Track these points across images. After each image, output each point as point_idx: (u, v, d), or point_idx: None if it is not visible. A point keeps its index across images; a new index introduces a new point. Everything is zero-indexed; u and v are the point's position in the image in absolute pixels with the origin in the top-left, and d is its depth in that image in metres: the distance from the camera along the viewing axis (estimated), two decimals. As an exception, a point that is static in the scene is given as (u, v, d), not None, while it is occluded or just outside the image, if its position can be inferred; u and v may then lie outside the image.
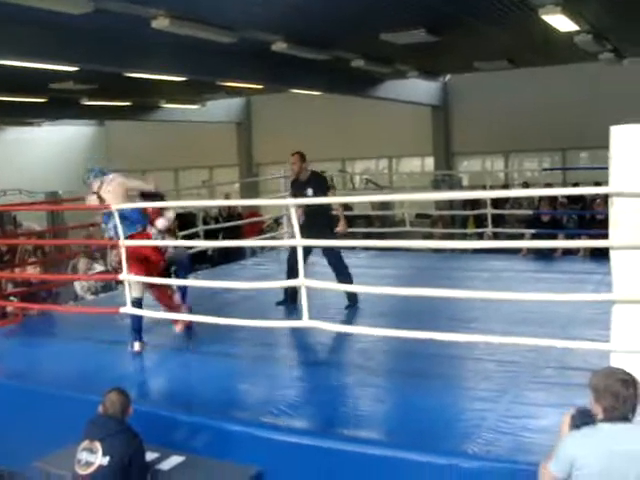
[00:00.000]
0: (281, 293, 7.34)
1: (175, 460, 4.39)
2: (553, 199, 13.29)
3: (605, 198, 4.36)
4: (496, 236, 11.14)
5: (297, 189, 7.57)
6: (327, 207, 7.61)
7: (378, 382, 5.30)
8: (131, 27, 9.62)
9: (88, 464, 4.06)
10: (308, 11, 9.72)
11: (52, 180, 21.41)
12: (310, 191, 7.36)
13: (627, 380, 3.12)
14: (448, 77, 19.12)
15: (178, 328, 6.43)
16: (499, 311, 6.56)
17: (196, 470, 4.34)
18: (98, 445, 4.08)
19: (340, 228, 7.52)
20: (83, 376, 5.57)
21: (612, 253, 4.06)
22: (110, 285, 9.13)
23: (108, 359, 6.07)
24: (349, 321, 6.80)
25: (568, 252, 10.60)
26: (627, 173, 3.93)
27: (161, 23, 9.21)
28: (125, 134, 24.20)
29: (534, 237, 9.88)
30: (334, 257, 7.40)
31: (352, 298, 7.20)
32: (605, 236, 4.15)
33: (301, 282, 5.30)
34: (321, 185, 7.55)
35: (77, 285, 9.14)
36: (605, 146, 4.01)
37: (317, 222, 6.95)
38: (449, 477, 3.89)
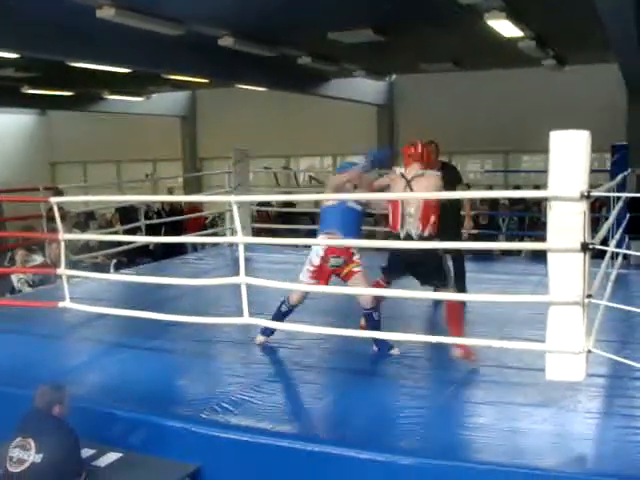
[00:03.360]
0: None
1: (112, 457, 4.32)
2: (494, 201, 13.57)
3: (545, 201, 4.45)
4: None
5: None
6: (458, 201, 6.92)
7: (318, 379, 5.31)
8: (75, 15, 9.42)
9: (20, 462, 3.94)
10: (256, 7, 9.68)
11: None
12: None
13: None
14: (394, 77, 19.25)
15: (459, 352, 5.34)
16: (438, 311, 6.65)
17: (133, 467, 4.27)
18: (31, 442, 3.97)
19: (466, 225, 6.95)
20: (17, 371, 5.43)
21: (549, 255, 4.15)
22: (49, 278, 8.95)
23: (45, 353, 5.95)
24: (290, 318, 6.79)
25: (508, 253, 10.88)
26: (565, 178, 4.02)
27: (106, 12, 9.05)
28: (67, 125, 23.68)
29: (473, 237, 10.01)
30: (459, 261, 7.00)
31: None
32: (544, 238, 4.23)
33: (241, 280, 5.28)
34: (454, 176, 6.79)
35: (14, 277, 8.94)
36: (546, 150, 4.09)
37: (446, 219, 5.87)
38: (386, 473, 3.94)
